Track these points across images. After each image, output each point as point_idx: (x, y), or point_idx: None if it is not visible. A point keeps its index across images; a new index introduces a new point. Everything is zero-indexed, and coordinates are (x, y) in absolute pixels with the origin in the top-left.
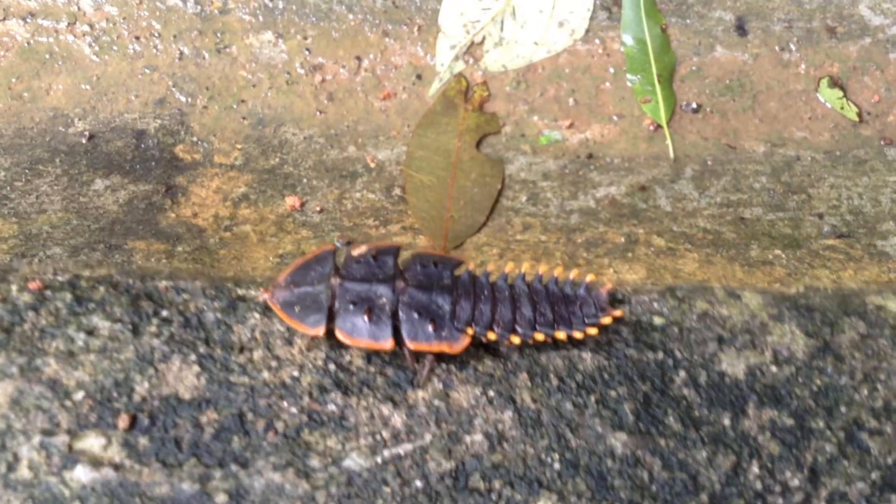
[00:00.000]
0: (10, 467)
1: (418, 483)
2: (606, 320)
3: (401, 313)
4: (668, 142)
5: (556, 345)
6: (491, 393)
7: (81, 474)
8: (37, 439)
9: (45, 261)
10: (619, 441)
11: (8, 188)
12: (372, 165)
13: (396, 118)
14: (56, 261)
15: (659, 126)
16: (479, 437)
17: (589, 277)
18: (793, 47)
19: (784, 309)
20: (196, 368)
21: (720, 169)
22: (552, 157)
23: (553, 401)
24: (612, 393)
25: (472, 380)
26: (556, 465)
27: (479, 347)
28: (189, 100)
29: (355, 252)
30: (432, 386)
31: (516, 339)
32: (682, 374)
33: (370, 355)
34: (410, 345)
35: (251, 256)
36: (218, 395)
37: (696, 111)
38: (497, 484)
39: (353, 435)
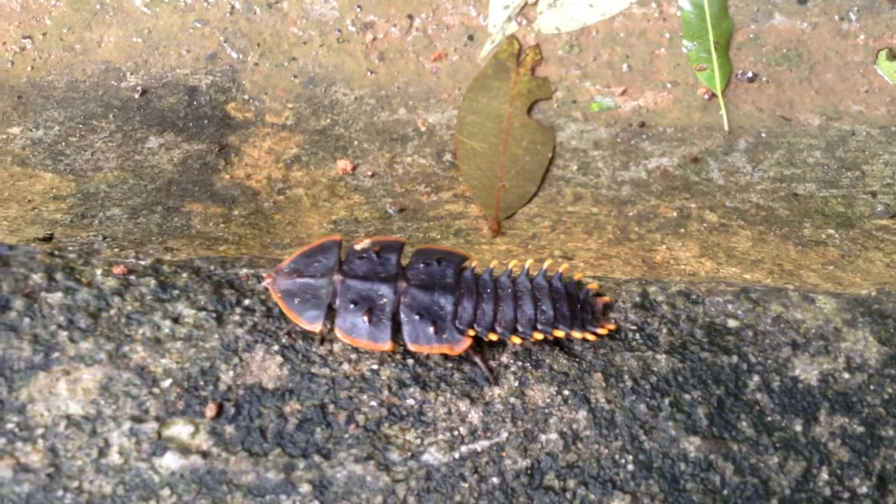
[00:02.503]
0: (102, 452)
1: (495, 479)
2: (602, 331)
3: (402, 315)
4: (723, 112)
5: (630, 346)
6: (566, 392)
7: (171, 461)
8: (126, 426)
9: (105, 222)
10: (692, 445)
11: (63, 143)
12: (423, 129)
13: (447, 80)
14: (116, 223)
15: (713, 95)
16: (554, 435)
17: (591, 285)
18: (852, 17)
19: (858, 314)
20: (279, 359)
21: (774, 142)
22: (604, 125)
23: (627, 402)
24: (687, 396)
25: (547, 378)
26: (630, 467)
27: (555, 345)
28: (240, 56)
29: (358, 246)
30: (508, 383)
31: (517, 340)
32: (756, 378)
33: None
34: (411, 347)
35: (305, 222)
36: (300, 385)
37: (751, 80)
38: (571, 483)
39: (432, 430)
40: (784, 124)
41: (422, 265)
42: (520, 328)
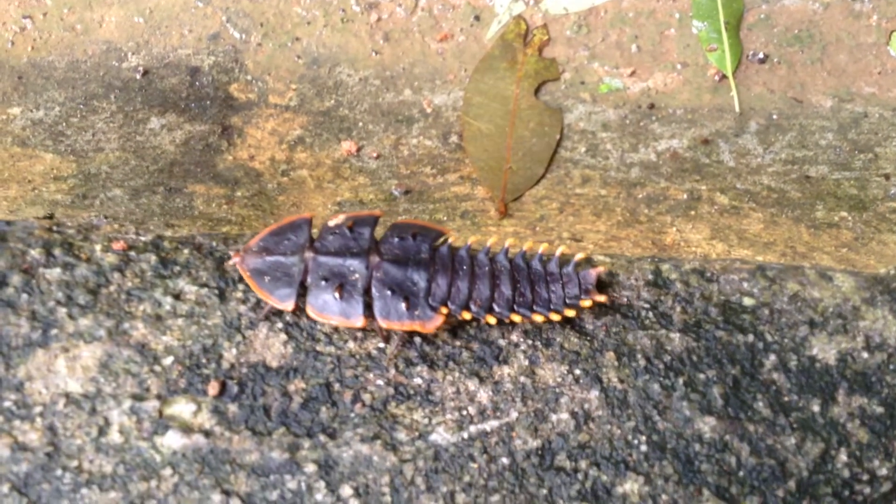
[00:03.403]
0: (102, 431)
1: (504, 460)
2: (586, 303)
3: (373, 290)
4: (734, 93)
5: (643, 324)
6: (577, 371)
7: (172, 440)
8: (127, 404)
9: (106, 203)
10: (707, 425)
11: (64, 124)
12: (428, 110)
13: (453, 61)
14: (117, 203)
15: (724, 76)
16: (565, 415)
17: (578, 256)
18: None
19: (877, 293)
20: (283, 336)
21: (786, 123)
22: (612, 107)
23: (640, 381)
24: (701, 376)
25: (558, 357)
26: (643, 448)
27: (565, 324)
28: (243, 36)
29: (331, 222)
30: (518, 362)
31: (492, 320)
32: (773, 357)
33: (456, 328)
34: (382, 323)
35: (309, 203)
36: (305, 364)
37: (762, 61)
38: (583, 464)
39: (440, 409)
40: (796, 106)
41: (396, 240)
42: (496, 308)
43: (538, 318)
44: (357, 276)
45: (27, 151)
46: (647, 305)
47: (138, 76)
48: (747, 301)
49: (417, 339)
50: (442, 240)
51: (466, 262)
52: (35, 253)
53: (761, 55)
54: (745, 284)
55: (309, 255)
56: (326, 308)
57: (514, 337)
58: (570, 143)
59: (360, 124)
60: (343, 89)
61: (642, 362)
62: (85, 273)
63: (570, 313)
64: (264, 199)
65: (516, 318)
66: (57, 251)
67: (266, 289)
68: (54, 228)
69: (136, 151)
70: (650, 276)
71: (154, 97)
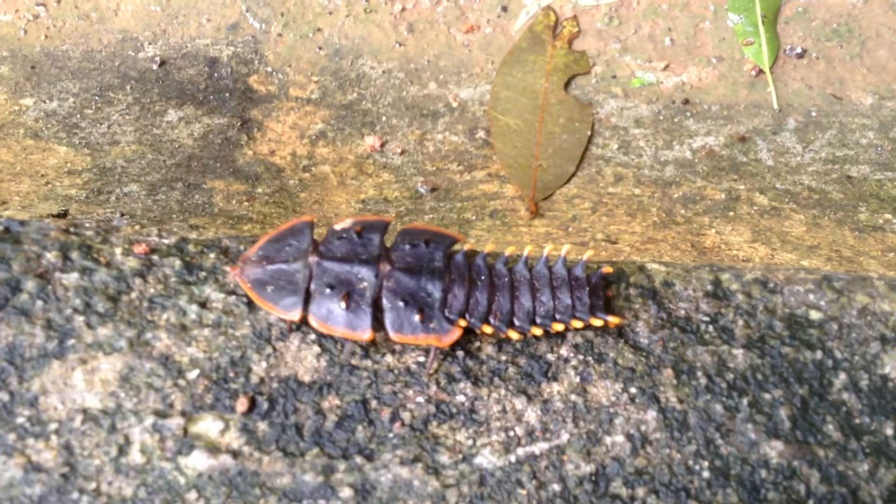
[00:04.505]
0: (122, 451)
1: (555, 486)
2: (614, 320)
3: (384, 301)
4: (771, 89)
5: (703, 339)
6: (633, 390)
7: (198, 461)
8: (149, 421)
9: (122, 199)
10: (773, 450)
11: (78, 116)
12: (454, 104)
13: (480, 54)
14: (134, 199)
15: (761, 71)
16: (620, 438)
17: (605, 269)
18: None
19: None
20: (316, 349)
21: (825, 121)
22: (645, 102)
23: (701, 402)
24: (767, 396)
25: (611, 374)
26: (706, 474)
27: (619, 338)
28: (263, 26)
29: (338, 226)
30: (568, 379)
31: (514, 335)
32: (843, 376)
33: (501, 342)
34: (394, 336)
35: (332, 201)
36: (340, 379)
37: (800, 56)
38: (641, 491)
39: (485, 430)
40: (835, 103)
41: (408, 247)
42: (517, 322)
43: (558, 328)
44: (365, 284)
45: (40, 144)
46: (706, 319)
47: (155, 67)
48: (814, 315)
49: (460, 353)
50: (456, 247)
51: (484, 272)
52: (51, 256)
53: (799, 50)
54: (812, 297)
55: (313, 259)
56: (331, 318)
57: (564, 351)
58: (601, 140)
59: (384, 118)
60: (366, 82)
61: (703, 381)
62: (104, 278)
63: (597, 322)
64: (286, 195)
65: (537, 331)
66: (74, 254)
67: (269, 300)
68: (71, 229)
69: (153, 145)
70: (709, 287)
71: (171, 89)
